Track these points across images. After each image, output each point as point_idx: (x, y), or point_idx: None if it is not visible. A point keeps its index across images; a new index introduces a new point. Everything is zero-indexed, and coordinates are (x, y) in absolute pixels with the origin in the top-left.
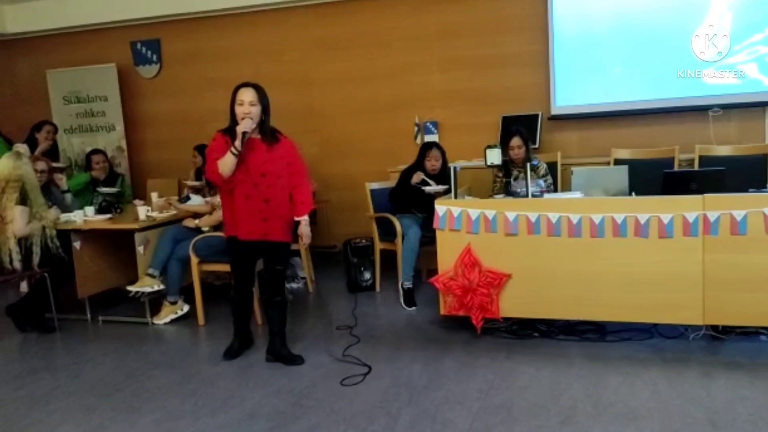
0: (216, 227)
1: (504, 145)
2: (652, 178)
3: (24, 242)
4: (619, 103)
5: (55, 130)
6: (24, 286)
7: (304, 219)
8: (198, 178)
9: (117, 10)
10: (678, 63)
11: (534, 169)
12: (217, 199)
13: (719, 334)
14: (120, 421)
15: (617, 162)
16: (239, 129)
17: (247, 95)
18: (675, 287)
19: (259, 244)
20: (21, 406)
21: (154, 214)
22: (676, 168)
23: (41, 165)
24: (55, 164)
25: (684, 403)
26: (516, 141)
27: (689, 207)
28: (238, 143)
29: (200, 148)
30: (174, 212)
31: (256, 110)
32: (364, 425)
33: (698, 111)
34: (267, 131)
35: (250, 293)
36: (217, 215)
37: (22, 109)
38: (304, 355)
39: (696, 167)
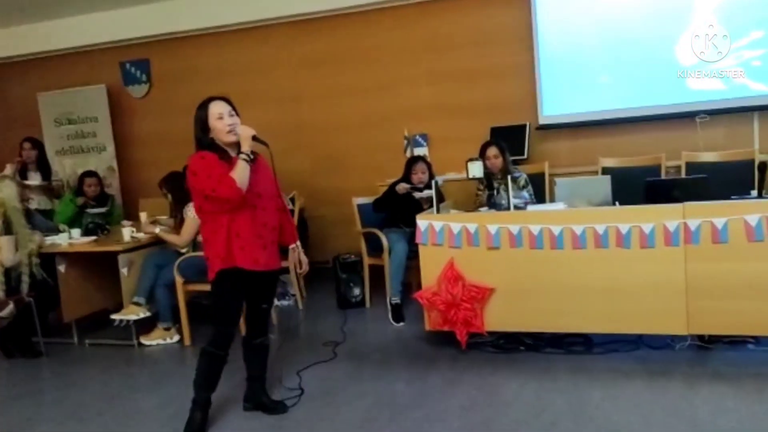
0: (194, 247)
1: (482, 155)
2: (639, 186)
3: (11, 271)
4: (606, 111)
5: (33, 145)
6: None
7: (298, 245)
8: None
9: (105, 31)
10: (664, 70)
11: (514, 180)
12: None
13: (706, 344)
14: None
15: (605, 170)
16: (245, 133)
17: (223, 107)
18: (658, 297)
19: (258, 276)
20: None
21: (139, 235)
22: (663, 176)
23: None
24: (35, 183)
25: (666, 416)
26: (492, 150)
27: (669, 216)
28: (246, 148)
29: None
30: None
31: (239, 120)
32: None
33: (686, 117)
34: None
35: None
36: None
37: (15, 133)
38: (287, 372)
39: (683, 174)
